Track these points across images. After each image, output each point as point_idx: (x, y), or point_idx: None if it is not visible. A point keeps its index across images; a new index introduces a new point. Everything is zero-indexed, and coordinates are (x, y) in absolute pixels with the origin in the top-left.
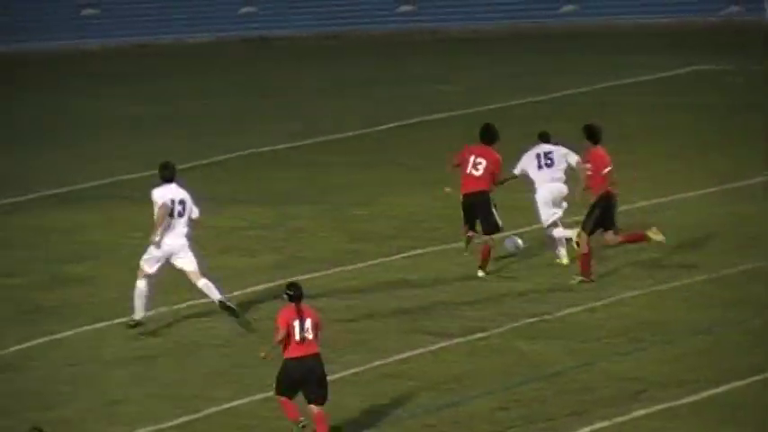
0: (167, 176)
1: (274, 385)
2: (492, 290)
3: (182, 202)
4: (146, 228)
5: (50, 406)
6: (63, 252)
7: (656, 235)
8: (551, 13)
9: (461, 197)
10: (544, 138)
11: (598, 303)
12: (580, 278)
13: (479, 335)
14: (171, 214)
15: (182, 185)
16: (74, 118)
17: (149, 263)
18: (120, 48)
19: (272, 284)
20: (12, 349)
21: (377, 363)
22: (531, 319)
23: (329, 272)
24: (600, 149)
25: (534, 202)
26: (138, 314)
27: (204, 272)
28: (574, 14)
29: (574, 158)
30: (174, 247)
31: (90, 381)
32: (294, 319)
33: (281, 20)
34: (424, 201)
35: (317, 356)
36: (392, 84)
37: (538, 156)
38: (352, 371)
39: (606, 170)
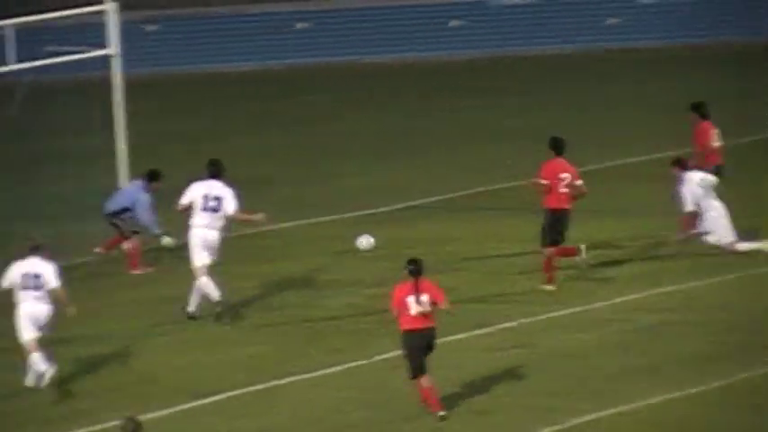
0: (212, 172)
1: (407, 367)
2: None
3: (216, 199)
4: (514, 240)
5: (413, 416)
6: (428, 262)
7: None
8: None
9: None
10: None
11: None
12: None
13: None
14: (204, 209)
15: (227, 183)
16: (448, 128)
17: (198, 256)
18: (477, 59)
19: (622, 299)
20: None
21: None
22: None
23: (685, 285)
24: None
25: None
26: (192, 307)
27: (211, 272)
28: None
29: None
30: (208, 239)
31: (451, 389)
32: (408, 295)
33: (645, 31)
34: (755, 222)
35: (432, 329)
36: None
37: None
38: (692, 390)
39: None
